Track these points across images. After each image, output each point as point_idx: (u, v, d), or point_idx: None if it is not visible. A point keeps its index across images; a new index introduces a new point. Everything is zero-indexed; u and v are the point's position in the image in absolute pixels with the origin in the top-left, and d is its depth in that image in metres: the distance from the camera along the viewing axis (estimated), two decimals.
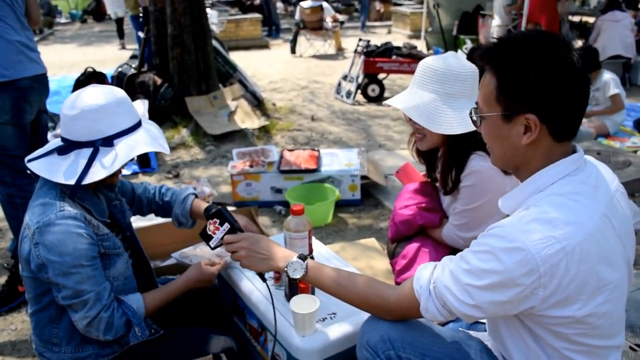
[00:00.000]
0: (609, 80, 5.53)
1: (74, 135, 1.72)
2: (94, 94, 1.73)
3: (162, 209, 2.25)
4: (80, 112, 1.69)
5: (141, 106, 5.20)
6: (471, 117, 1.46)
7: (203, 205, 2.14)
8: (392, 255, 2.51)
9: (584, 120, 5.59)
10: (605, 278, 1.27)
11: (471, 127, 1.94)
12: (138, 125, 1.80)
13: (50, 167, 1.73)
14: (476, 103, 1.43)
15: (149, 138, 1.79)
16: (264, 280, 1.83)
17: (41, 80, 3.03)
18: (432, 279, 1.41)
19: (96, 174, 1.69)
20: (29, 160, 1.77)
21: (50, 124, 5.50)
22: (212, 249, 1.83)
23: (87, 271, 1.69)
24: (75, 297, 1.69)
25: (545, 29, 7.28)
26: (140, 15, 6.82)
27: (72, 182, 1.68)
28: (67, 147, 1.73)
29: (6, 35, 2.78)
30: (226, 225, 1.79)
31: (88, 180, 1.68)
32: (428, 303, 1.41)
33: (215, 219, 1.80)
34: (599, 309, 1.27)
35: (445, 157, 2.19)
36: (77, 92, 1.75)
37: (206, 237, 1.81)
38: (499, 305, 1.29)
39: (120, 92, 1.78)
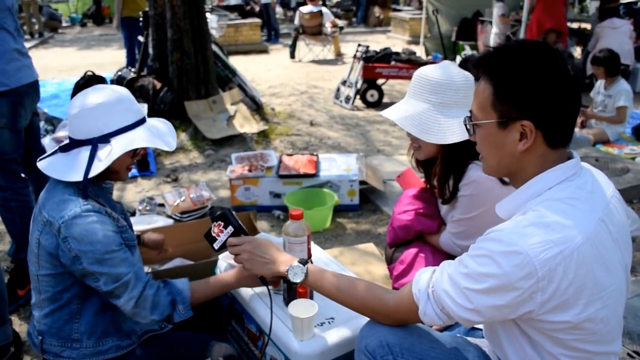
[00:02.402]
0: (622, 91, 5.53)
1: (75, 134, 1.79)
2: (95, 93, 1.79)
3: None
4: (80, 110, 1.76)
5: None
6: (465, 126, 1.47)
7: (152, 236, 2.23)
8: (390, 261, 2.51)
9: (584, 126, 5.65)
10: (602, 283, 1.28)
11: (465, 136, 1.95)
12: (140, 122, 1.84)
13: (54, 165, 1.80)
14: (470, 111, 1.44)
15: (149, 135, 1.83)
16: (266, 283, 1.85)
17: (34, 86, 3.05)
18: (431, 283, 1.42)
19: (95, 168, 1.74)
20: (39, 160, 1.83)
21: (49, 127, 5.53)
22: (216, 251, 1.86)
23: (119, 255, 1.74)
24: (116, 281, 1.72)
25: (557, 33, 7.31)
26: (140, 18, 6.84)
27: (76, 178, 1.73)
28: (69, 145, 1.81)
29: (7, 44, 2.81)
30: (230, 228, 1.81)
31: (91, 174, 1.74)
32: (426, 307, 1.41)
33: (219, 222, 1.82)
34: (597, 314, 1.28)
35: (442, 167, 2.19)
36: (81, 92, 1.81)
37: (210, 239, 1.84)
38: (497, 309, 1.29)
39: (121, 91, 1.83)
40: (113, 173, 1.85)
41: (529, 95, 1.30)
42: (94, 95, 1.77)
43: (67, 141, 1.84)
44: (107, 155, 1.75)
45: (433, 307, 1.40)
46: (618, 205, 1.42)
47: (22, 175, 2.98)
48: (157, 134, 1.88)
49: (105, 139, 1.77)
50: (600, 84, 5.74)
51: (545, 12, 7.12)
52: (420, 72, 2.13)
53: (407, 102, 2.16)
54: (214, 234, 1.83)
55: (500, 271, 1.24)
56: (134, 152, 1.85)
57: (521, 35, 7.01)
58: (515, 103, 1.32)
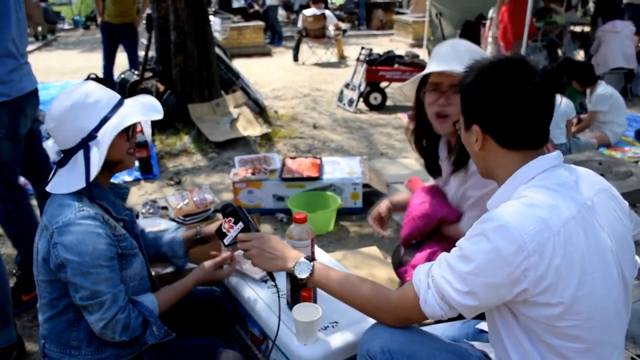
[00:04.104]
0: (594, 96, 5.60)
1: (64, 144, 1.78)
2: (62, 98, 1.77)
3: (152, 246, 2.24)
4: (57, 122, 1.76)
5: None
6: (455, 126, 1.68)
7: (192, 233, 2.21)
8: (399, 264, 2.48)
9: (586, 130, 5.65)
10: (592, 265, 1.31)
11: None
12: (118, 105, 1.82)
13: (58, 183, 1.79)
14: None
15: (130, 111, 1.82)
16: (273, 279, 1.88)
17: (35, 93, 2.97)
18: (430, 272, 1.45)
19: (94, 167, 1.73)
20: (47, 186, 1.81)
21: None
22: (226, 246, 1.90)
23: (104, 272, 1.71)
24: (92, 298, 1.70)
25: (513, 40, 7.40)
26: (144, 22, 6.83)
27: (80, 186, 1.73)
28: (65, 157, 1.79)
29: (12, 57, 2.73)
30: (240, 224, 1.86)
31: (92, 175, 1.73)
32: (427, 296, 1.43)
33: (230, 218, 1.87)
34: (590, 297, 1.30)
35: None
36: (51, 104, 1.79)
37: (221, 235, 1.89)
38: (492, 289, 1.32)
39: (86, 85, 1.81)
40: (116, 165, 1.83)
41: (476, 104, 1.47)
42: (62, 101, 1.76)
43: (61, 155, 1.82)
44: (97, 152, 1.74)
45: (434, 296, 1.42)
46: (609, 200, 1.45)
47: (21, 186, 2.92)
48: (141, 107, 1.86)
49: (93, 135, 1.75)
50: (589, 92, 5.79)
51: (519, 17, 7.21)
52: (459, 42, 2.15)
53: (450, 63, 2.05)
54: (224, 230, 1.88)
55: (490, 246, 1.29)
56: (128, 135, 1.84)
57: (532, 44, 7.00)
58: (470, 109, 1.50)
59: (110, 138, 1.74)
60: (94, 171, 1.73)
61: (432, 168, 2.39)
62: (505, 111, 1.41)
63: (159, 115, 1.87)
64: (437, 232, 2.37)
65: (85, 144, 1.75)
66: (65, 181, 1.77)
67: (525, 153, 1.44)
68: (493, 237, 1.29)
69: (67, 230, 1.67)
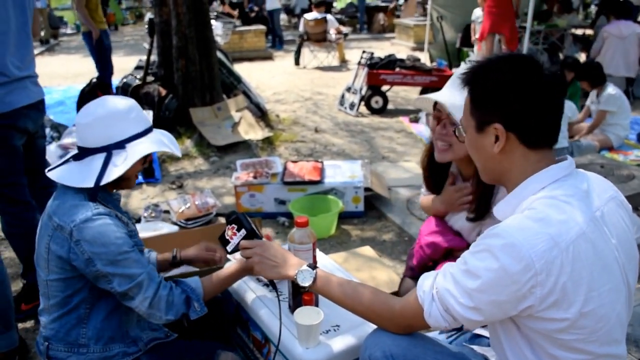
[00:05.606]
0: (604, 96, 5.56)
1: (88, 143, 1.81)
2: (106, 102, 1.84)
3: None
4: (93, 120, 1.80)
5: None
6: (455, 134, 1.57)
7: (167, 256, 2.21)
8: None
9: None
10: (599, 280, 1.29)
11: None
12: (149, 130, 1.88)
13: (67, 173, 1.83)
14: (460, 121, 1.54)
15: (159, 140, 1.89)
16: (275, 287, 1.88)
17: (35, 106, 2.83)
18: (435, 284, 1.43)
19: (111, 174, 1.78)
20: (49, 170, 1.86)
21: (55, 134, 5.55)
22: (229, 253, 1.91)
23: (132, 256, 1.76)
24: (130, 282, 1.74)
25: (508, 40, 7.38)
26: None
27: (89, 184, 1.76)
28: (82, 154, 1.83)
29: (4, 76, 2.65)
30: (242, 231, 1.87)
31: (104, 181, 1.77)
32: (431, 308, 1.42)
33: (233, 225, 1.88)
34: (595, 312, 1.29)
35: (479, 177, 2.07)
36: (91, 102, 1.85)
37: (224, 242, 1.90)
38: (497, 306, 1.30)
39: (130, 100, 1.88)
40: (125, 180, 1.88)
41: (497, 101, 1.39)
42: (106, 105, 1.82)
43: (75, 150, 1.86)
44: (124, 161, 1.79)
45: (438, 308, 1.40)
46: (617, 209, 1.43)
47: (21, 199, 2.84)
48: (169, 139, 1.95)
49: (121, 145, 1.80)
50: (593, 93, 5.75)
51: (489, 18, 7.19)
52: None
53: (455, 93, 1.99)
54: (227, 237, 1.89)
55: (497, 265, 1.26)
56: (144, 159, 1.89)
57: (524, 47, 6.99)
58: (487, 109, 1.42)
59: (139, 156, 1.80)
60: (109, 178, 1.78)
61: (434, 189, 2.37)
62: (527, 105, 1.36)
63: (179, 153, 1.97)
64: (450, 255, 2.32)
65: (109, 150, 1.80)
66: (75, 175, 1.80)
67: (543, 153, 1.40)
68: (500, 255, 1.26)
69: (86, 227, 1.71)
